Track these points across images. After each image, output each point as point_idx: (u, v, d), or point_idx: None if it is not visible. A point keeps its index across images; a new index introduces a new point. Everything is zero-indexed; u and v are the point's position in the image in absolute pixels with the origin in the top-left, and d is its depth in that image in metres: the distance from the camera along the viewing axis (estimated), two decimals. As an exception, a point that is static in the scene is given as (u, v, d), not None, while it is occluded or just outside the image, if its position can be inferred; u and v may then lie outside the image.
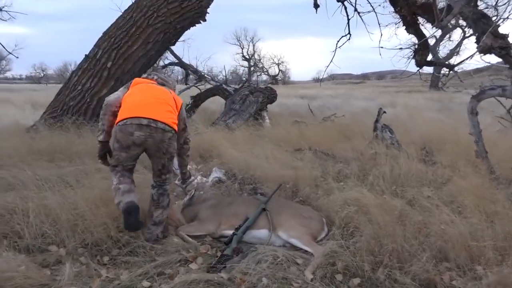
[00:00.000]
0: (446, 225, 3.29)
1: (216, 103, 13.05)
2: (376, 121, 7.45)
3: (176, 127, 3.53)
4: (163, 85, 3.76)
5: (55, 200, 3.47)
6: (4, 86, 40.28)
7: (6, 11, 14.60)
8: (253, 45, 62.27)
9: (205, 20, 8.76)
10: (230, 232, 3.53)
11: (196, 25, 8.82)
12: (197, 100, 11.62)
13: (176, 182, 4.11)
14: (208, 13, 8.67)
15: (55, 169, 4.75)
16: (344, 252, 3.09)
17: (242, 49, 62.04)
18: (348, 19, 9.62)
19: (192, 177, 4.12)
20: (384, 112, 7.75)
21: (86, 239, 3.29)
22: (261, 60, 61.79)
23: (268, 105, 11.45)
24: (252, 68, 60.86)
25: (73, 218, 3.39)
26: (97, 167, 4.47)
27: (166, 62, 16.25)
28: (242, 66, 61.00)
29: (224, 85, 11.58)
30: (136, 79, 3.81)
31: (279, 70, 64.34)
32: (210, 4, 8.63)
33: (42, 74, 69.60)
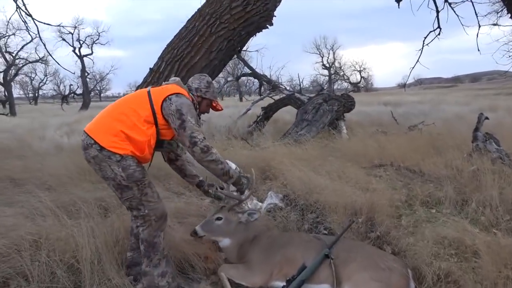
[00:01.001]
0: None
1: (291, 114, 12.28)
2: (476, 129, 6.11)
3: (113, 144, 2.74)
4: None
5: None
6: (105, 103, 43.73)
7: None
8: (333, 53, 60.67)
9: (271, 24, 8.08)
10: (281, 284, 2.71)
11: (263, 30, 8.15)
12: (268, 111, 10.97)
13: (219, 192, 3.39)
14: (275, 16, 7.98)
15: (98, 191, 4.32)
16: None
17: (322, 57, 60.75)
18: (438, 11, 8.27)
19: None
20: (486, 118, 6.35)
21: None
22: (342, 68, 59.88)
23: (346, 114, 10.43)
24: (332, 77, 59.19)
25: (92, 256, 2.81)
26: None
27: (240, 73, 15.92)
28: (322, 75, 59.61)
29: (297, 94, 10.76)
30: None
31: (361, 77, 61.85)
32: (276, 6, 7.93)
33: (136, 91, 74.62)
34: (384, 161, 5.82)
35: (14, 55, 35.27)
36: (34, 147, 7.79)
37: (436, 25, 8.26)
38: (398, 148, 6.45)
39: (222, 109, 3.31)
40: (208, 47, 7.60)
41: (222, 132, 10.04)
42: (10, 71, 35.47)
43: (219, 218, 3.06)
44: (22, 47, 34.41)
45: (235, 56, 17.07)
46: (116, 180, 2.76)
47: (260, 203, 3.69)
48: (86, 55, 41.16)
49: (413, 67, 9.09)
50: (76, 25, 38.76)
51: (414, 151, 6.31)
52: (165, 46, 7.99)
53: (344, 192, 4.09)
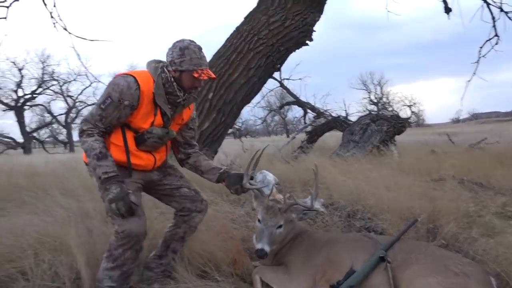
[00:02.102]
0: None
1: (338, 138, 11.66)
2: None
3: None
4: None
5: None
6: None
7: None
8: (381, 88, 59.43)
9: (311, 40, 7.77)
10: (322, 290, 2.15)
11: (302, 46, 7.84)
12: (313, 135, 10.46)
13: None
14: (315, 31, 7.67)
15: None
16: None
17: (369, 93, 59.63)
18: (494, 20, 7.58)
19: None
20: None
21: None
22: (390, 103, 58.35)
23: (397, 137, 9.68)
24: (381, 112, 57.61)
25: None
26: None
27: (283, 102, 15.69)
28: (370, 111, 58.17)
29: (342, 117, 10.22)
30: None
31: (412, 112, 59.78)
32: (316, 21, 7.65)
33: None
34: (443, 175, 5.09)
35: (74, 98, 37.61)
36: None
37: (492, 34, 7.53)
38: (460, 164, 5.69)
39: (214, 77, 2.59)
40: (246, 64, 7.38)
41: (265, 159, 9.60)
42: (71, 113, 37.70)
43: (280, 226, 2.54)
44: (82, 91, 36.71)
45: (279, 85, 16.98)
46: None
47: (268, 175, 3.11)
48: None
49: (464, 93, 8.27)
50: (131, 68, 41.04)
51: (478, 165, 5.54)
52: (204, 66, 7.84)
53: (398, 199, 3.46)
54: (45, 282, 2.41)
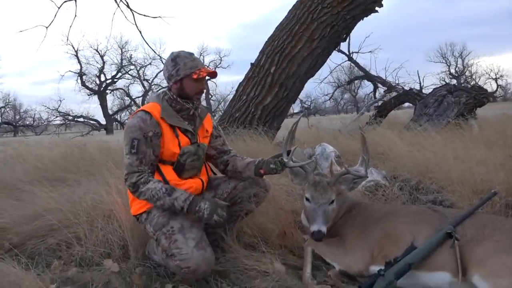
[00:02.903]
0: None
1: (411, 115, 10.94)
2: None
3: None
4: None
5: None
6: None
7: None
8: (462, 61, 54.67)
9: (381, 6, 7.25)
10: (378, 268, 1.95)
11: (371, 13, 7.33)
12: (383, 110, 9.90)
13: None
14: (385, -5, 7.10)
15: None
16: None
17: (449, 66, 55.17)
18: None
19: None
20: None
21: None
22: (473, 76, 53.59)
23: (478, 111, 8.80)
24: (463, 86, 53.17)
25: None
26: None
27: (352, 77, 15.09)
28: (448, 83, 53.74)
29: (415, 90, 9.52)
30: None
31: (498, 85, 54.51)
32: (387, -15, 7.06)
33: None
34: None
35: (150, 82, 39.57)
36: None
37: None
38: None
39: (213, 72, 2.55)
40: (310, 35, 7.09)
41: (330, 134, 9.28)
42: (147, 96, 39.82)
43: (332, 202, 2.32)
44: (156, 74, 38.48)
45: (347, 59, 16.27)
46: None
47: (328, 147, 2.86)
48: (209, 79, 44.17)
49: None
50: (201, 52, 42.19)
51: None
52: (266, 40, 7.69)
53: (472, 171, 3.06)
54: (97, 248, 2.48)
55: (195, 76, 2.40)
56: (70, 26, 5.06)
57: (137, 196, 2.30)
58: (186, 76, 2.42)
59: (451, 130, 6.29)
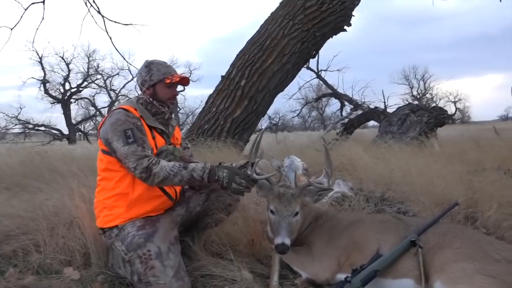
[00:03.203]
0: None
1: (376, 133, 11.25)
2: None
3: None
4: None
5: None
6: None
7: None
8: (424, 83, 56.99)
9: (349, 25, 7.48)
10: (344, 276, 1.96)
11: (339, 32, 7.55)
12: (349, 127, 10.13)
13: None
14: (354, 15, 7.36)
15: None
16: None
17: (412, 88, 57.37)
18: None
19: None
20: None
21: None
22: (434, 99, 55.88)
23: (439, 131, 9.17)
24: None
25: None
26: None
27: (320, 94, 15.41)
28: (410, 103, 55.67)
29: (380, 108, 9.83)
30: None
31: (456, 108, 57.07)
32: (356, 5, 7.35)
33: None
34: (487, 166, 4.70)
35: (117, 92, 38.77)
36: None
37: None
38: (507, 155, 5.24)
39: (186, 78, 2.55)
40: (281, 50, 7.21)
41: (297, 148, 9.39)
42: (113, 107, 38.92)
43: (296, 214, 2.28)
44: (124, 85, 37.75)
45: (316, 76, 16.63)
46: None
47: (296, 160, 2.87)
48: (182, 86, 43.71)
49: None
50: (172, 64, 41.80)
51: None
52: (237, 53, 7.75)
53: (433, 184, 3.18)
54: (57, 255, 2.37)
55: (168, 81, 2.41)
56: (37, 29, 4.92)
57: (151, 181, 2.17)
58: (159, 81, 2.42)
59: (414, 147, 6.52)
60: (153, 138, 2.39)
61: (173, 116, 2.60)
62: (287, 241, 2.13)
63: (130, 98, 2.60)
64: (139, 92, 2.55)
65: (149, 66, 2.46)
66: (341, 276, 2.00)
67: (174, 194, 2.47)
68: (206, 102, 8.07)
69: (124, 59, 5.48)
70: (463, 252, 1.85)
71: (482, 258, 1.79)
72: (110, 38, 5.25)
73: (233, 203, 2.66)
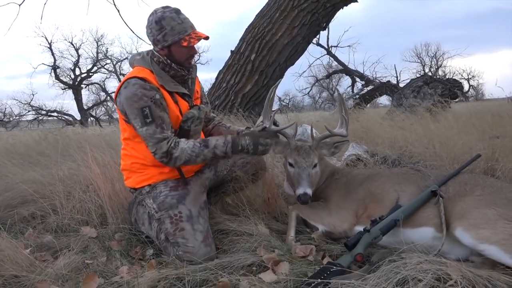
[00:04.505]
0: None
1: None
2: None
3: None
4: None
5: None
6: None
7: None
8: (436, 61, 55.91)
9: (360, -4, 7.28)
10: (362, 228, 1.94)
11: (351, 2, 7.38)
12: (360, 103, 10.00)
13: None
14: (365, -15, 7.15)
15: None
16: None
17: (424, 66, 56.31)
18: None
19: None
20: None
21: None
22: (446, 76, 54.79)
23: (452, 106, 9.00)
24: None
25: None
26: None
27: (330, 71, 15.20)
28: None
29: (391, 82, 9.68)
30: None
31: (470, 85, 56.02)
32: (366, -26, 7.12)
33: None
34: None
35: (126, 76, 38.79)
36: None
37: None
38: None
39: (206, 36, 2.26)
40: (290, 22, 7.07)
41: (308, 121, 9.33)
42: (129, 57, 38.88)
43: (315, 165, 2.29)
44: (133, 70, 37.68)
45: (326, 53, 16.40)
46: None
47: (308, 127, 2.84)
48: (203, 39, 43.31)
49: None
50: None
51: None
52: (247, 27, 7.63)
53: (453, 144, 3.09)
54: (74, 215, 2.40)
55: (185, 43, 2.19)
56: (45, 4, 4.85)
57: (173, 164, 2.12)
58: (174, 43, 2.20)
59: (429, 116, 6.42)
60: (176, 103, 2.26)
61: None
62: (309, 191, 2.16)
63: (143, 52, 2.34)
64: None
65: (161, 22, 2.17)
66: (360, 228, 1.98)
67: None
68: (216, 78, 8.01)
69: (132, 31, 5.37)
70: (485, 199, 1.81)
71: (505, 204, 1.75)
72: (118, 10, 5.20)
73: (258, 172, 2.62)
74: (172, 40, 2.18)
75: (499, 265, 1.63)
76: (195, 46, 2.28)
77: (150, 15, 2.22)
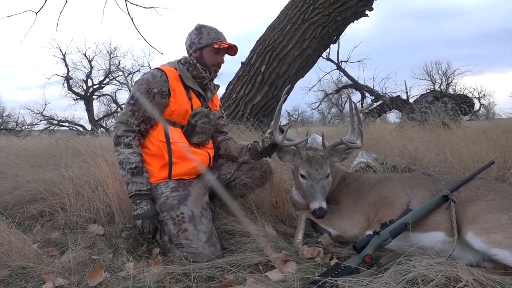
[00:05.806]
0: None
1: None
2: None
3: None
4: None
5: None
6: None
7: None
8: (447, 78, 55.67)
9: (371, 10, 7.35)
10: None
11: (362, 17, 7.44)
12: (370, 117, 9.97)
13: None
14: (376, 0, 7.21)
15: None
16: None
17: (434, 83, 56.12)
18: None
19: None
20: None
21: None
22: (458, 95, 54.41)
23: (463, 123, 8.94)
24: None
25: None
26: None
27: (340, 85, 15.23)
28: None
29: (401, 97, 9.66)
30: None
31: (481, 104, 55.58)
32: (377, -11, 7.19)
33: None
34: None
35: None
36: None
37: None
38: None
39: (233, 47, 2.51)
40: (301, 35, 7.14)
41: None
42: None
43: (328, 175, 2.27)
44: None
45: (336, 67, 16.45)
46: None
47: (318, 138, 2.82)
48: (229, 55, 43.81)
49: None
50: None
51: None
52: (258, 39, 7.72)
53: (464, 153, 3.06)
54: (82, 213, 2.41)
55: (216, 46, 2.42)
56: (61, 12, 4.94)
57: (114, 148, 2.27)
58: (207, 45, 2.43)
59: (439, 130, 6.36)
60: (189, 98, 2.38)
61: (213, 83, 2.57)
62: (324, 205, 2.11)
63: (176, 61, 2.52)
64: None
65: (200, 29, 2.47)
66: (370, 233, 1.96)
67: (207, 161, 2.45)
68: (226, 89, 8.07)
69: (145, 39, 5.43)
70: (497, 204, 1.78)
71: (516, 210, 1.72)
72: (132, 19, 5.28)
73: (265, 176, 2.62)
74: (206, 43, 2.43)
75: (511, 270, 1.60)
76: (222, 54, 2.52)
77: (193, 27, 2.52)
